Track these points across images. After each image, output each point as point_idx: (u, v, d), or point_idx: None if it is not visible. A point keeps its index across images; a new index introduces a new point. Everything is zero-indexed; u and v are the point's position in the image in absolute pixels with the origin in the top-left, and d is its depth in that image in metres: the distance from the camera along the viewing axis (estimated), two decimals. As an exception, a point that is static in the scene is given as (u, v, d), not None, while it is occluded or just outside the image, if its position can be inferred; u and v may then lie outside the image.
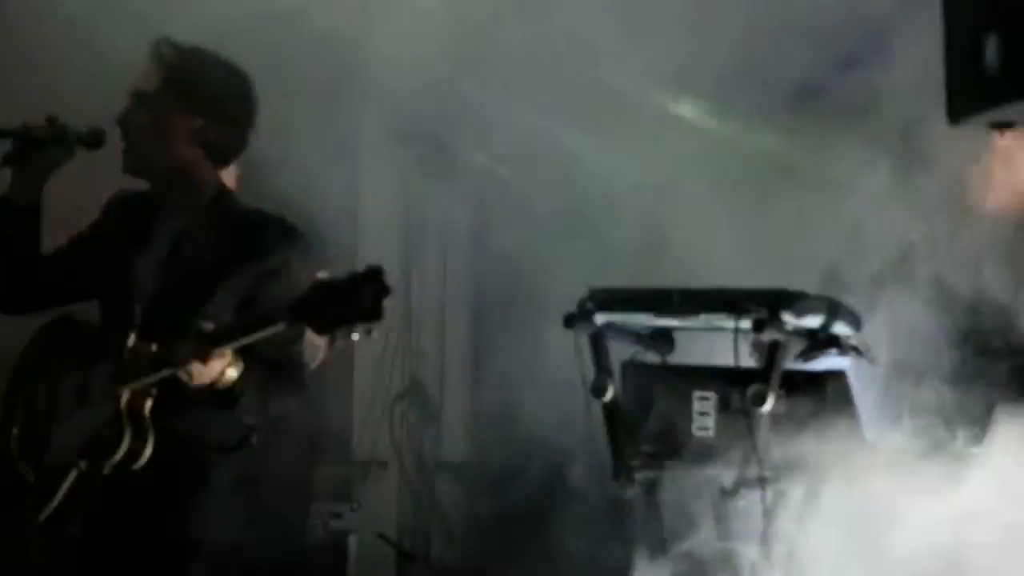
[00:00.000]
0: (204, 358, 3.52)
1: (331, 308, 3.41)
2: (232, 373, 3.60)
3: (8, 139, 3.95)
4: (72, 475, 3.72)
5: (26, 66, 5.62)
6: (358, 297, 3.39)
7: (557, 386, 5.36)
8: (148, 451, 3.68)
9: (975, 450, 4.00)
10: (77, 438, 3.76)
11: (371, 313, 3.39)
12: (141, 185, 3.96)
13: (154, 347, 3.64)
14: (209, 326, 3.55)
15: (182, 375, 3.55)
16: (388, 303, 3.38)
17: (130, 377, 3.67)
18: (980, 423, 4.06)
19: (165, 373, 3.59)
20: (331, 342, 3.55)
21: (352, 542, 6.69)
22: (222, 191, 3.94)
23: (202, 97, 3.83)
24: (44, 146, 3.92)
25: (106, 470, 3.69)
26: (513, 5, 5.72)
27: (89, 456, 3.71)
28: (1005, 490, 3.84)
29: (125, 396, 3.67)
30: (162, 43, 3.88)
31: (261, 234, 3.83)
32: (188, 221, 3.87)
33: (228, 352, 3.56)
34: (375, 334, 3.42)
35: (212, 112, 3.85)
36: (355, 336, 3.43)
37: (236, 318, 3.64)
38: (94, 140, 3.94)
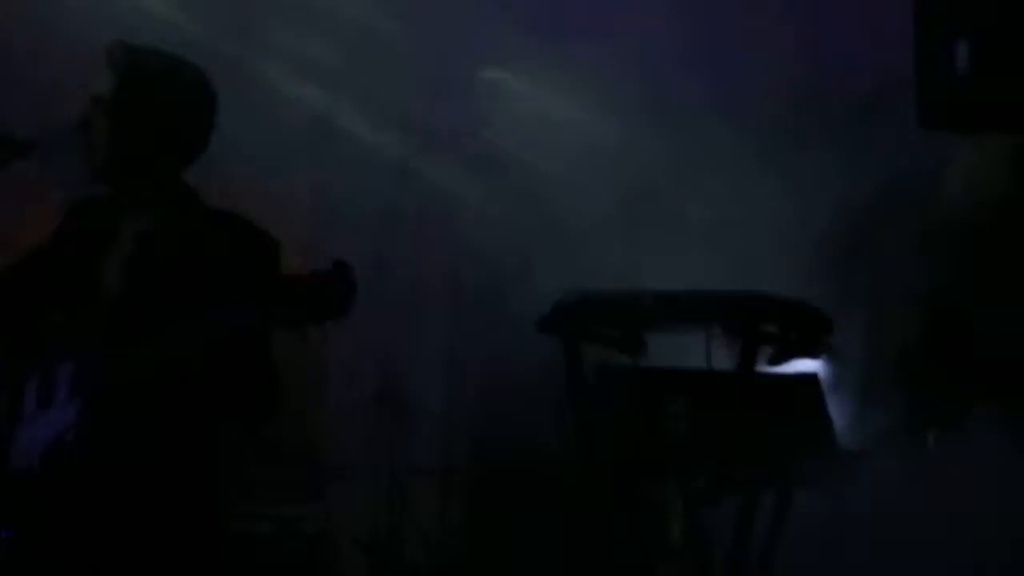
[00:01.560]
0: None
1: (298, 305, 3.42)
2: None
3: None
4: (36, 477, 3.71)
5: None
6: (325, 293, 3.40)
7: (530, 389, 5.38)
8: (113, 451, 3.68)
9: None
10: (40, 440, 3.74)
11: (338, 309, 3.40)
12: (99, 189, 3.94)
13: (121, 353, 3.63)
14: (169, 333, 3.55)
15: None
16: (361, 304, 3.39)
17: (97, 379, 3.66)
18: (949, 425, 4.08)
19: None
20: (301, 339, 3.54)
21: (323, 546, 6.69)
22: (185, 191, 3.92)
23: (159, 98, 3.81)
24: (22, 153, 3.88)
25: (70, 472, 3.68)
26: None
27: (53, 458, 3.70)
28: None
29: (90, 398, 3.66)
30: (115, 46, 3.86)
31: (225, 234, 3.81)
32: (152, 222, 3.85)
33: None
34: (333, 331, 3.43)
35: (170, 113, 3.83)
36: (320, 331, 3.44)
37: (197, 318, 3.62)
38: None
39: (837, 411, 4.24)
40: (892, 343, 4.36)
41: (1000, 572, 3.88)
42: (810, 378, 4.23)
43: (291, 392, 4.25)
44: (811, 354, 4.20)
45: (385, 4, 6.39)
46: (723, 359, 4.06)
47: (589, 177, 5.81)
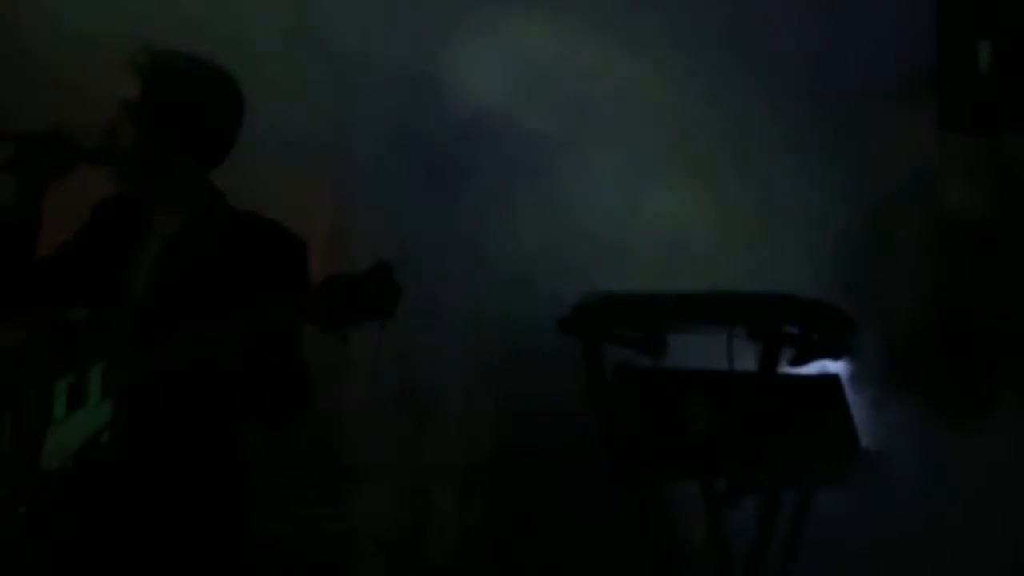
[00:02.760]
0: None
1: (340, 305, 3.43)
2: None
3: (10, 143, 3.91)
4: (68, 477, 3.73)
5: (34, 72, 5.62)
6: (367, 294, 3.41)
7: (551, 390, 5.38)
8: (145, 451, 3.69)
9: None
10: (73, 441, 3.76)
11: (382, 311, 3.41)
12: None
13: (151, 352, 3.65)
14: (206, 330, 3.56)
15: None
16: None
17: (128, 380, 3.68)
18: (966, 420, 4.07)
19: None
20: (342, 340, 3.56)
21: (344, 546, 6.69)
22: (214, 194, 3.93)
23: (184, 103, 3.81)
24: (47, 155, 3.89)
25: (104, 473, 3.70)
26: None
27: (86, 458, 3.72)
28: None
29: (122, 398, 3.68)
30: (139, 51, 3.87)
31: (252, 236, 3.82)
32: (179, 224, 3.86)
33: None
34: (383, 332, 3.44)
35: (196, 117, 3.84)
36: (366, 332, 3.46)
37: (228, 319, 3.63)
38: (98, 157, 3.92)
39: (858, 411, 4.23)
40: (905, 341, 4.36)
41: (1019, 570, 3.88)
42: (832, 379, 4.23)
43: (314, 392, 4.26)
44: (833, 355, 4.19)
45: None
46: (745, 360, 4.05)
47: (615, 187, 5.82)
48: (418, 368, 7.47)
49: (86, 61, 5.08)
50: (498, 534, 7.16)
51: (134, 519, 3.73)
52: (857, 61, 4.98)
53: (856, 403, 4.24)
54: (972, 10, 3.66)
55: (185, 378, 3.63)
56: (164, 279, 3.80)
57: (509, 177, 6.17)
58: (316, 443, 6.16)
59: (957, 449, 3.96)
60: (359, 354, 7.37)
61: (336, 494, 6.78)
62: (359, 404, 7.34)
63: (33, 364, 3.95)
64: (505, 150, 6.08)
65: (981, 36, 3.62)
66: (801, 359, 4.14)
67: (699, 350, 4.16)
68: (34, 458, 3.81)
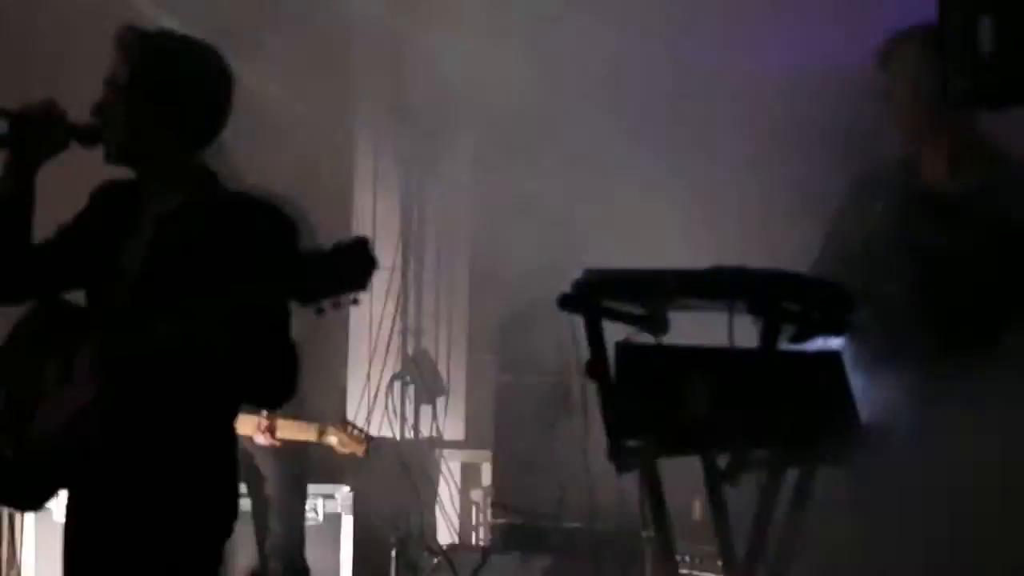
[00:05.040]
0: None
1: (317, 278, 3.44)
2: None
3: (4, 119, 3.92)
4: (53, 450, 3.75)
5: (31, 51, 5.63)
6: (342, 267, 3.42)
7: (553, 367, 5.39)
8: (130, 429, 3.70)
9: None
10: (61, 415, 3.77)
11: (355, 282, 3.42)
12: (127, 173, 3.96)
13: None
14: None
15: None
16: (387, 279, 3.42)
17: (115, 357, 3.69)
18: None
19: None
20: (317, 312, 3.56)
21: (347, 523, 6.71)
22: (205, 174, 3.93)
23: (172, 83, 3.80)
24: (40, 131, 3.89)
25: (88, 449, 3.71)
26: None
27: (71, 435, 3.73)
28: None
29: (108, 376, 3.69)
30: (126, 32, 3.86)
31: (246, 216, 3.82)
32: (172, 205, 3.86)
33: None
34: (358, 303, 3.45)
35: (184, 97, 3.82)
36: (340, 305, 3.47)
37: (214, 296, 3.63)
38: (89, 136, 3.91)
39: (858, 387, 4.24)
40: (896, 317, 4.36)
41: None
42: (833, 356, 4.23)
43: (318, 371, 4.27)
44: (834, 331, 4.19)
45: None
46: (745, 337, 4.06)
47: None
48: (422, 343, 7.50)
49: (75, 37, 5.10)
50: (505, 512, 7.18)
51: (118, 496, 3.74)
52: (853, 38, 4.98)
53: (854, 379, 4.24)
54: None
55: (173, 357, 3.64)
56: (155, 259, 3.80)
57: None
58: (320, 422, 6.17)
59: (954, 424, 3.96)
60: (364, 333, 7.40)
61: (341, 473, 6.80)
62: (365, 383, 7.37)
63: (27, 341, 3.97)
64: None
65: (982, 12, 3.61)
66: (802, 336, 4.14)
67: (699, 327, 4.16)
68: (22, 432, 3.83)
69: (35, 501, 3.93)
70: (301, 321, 3.72)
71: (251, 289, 3.54)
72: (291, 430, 5.99)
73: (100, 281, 3.90)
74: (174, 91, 3.81)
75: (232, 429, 3.89)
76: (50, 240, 4.04)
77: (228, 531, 3.88)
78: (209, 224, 3.79)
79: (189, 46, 3.89)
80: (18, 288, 4.03)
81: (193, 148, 3.89)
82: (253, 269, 3.58)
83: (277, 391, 3.84)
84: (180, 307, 3.59)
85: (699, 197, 5.80)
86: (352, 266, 3.44)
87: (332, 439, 6.10)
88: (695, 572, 5.60)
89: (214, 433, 3.83)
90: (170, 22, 5.31)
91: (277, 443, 5.99)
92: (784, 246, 4.76)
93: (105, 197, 4.02)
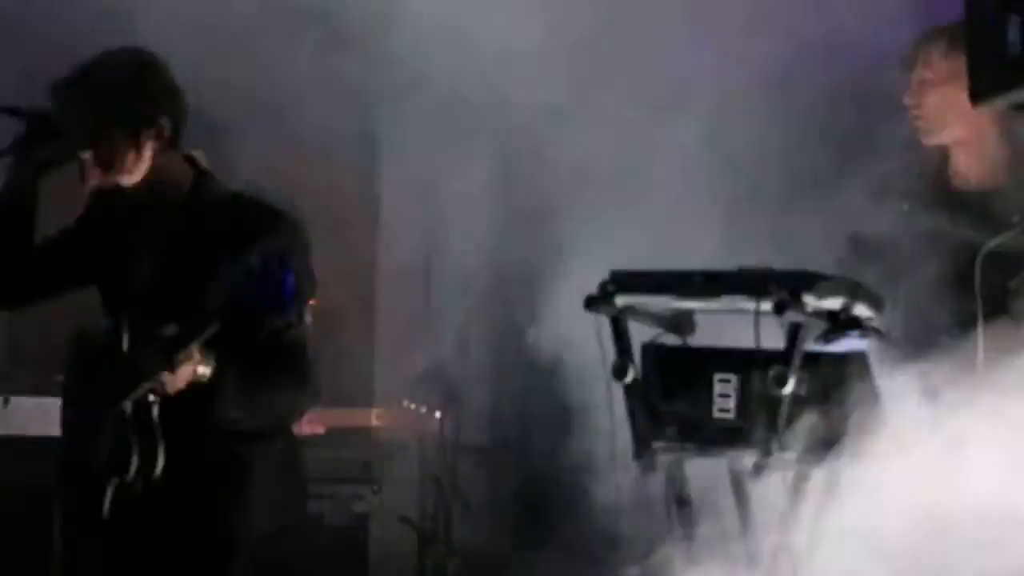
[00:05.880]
0: (171, 367, 3.53)
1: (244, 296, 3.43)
2: (204, 370, 3.61)
3: (19, 119, 3.91)
4: (108, 492, 3.74)
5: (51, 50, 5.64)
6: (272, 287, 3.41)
7: (578, 368, 5.38)
8: (161, 459, 3.68)
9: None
10: (105, 453, 3.76)
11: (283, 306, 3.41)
12: None
13: (131, 360, 3.66)
14: (171, 330, 3.56)
15: (157, 388, 3.57)
16: (411, 284, 3.41)
17: (126, 389, 3.68)
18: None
19: (142, 389, 3.59)
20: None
21: (373, 525, 6.72)
22: (200, 176, 3.91)
23: (126, 108, 3.79)
24: (56, 137, 3.89)
25: (130, 483, 3.71)
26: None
27: (114, 471, 3.72)
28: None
29: (127, 407, 3.68)
30: (57, 85, 3.85)
31: (245, 220, 3.81)
32: (172, 215, 3.85)
33: (194, 351, 3.57)
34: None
35: (142, 114, 3.80)
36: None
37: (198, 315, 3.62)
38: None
39: (887, 389, 4.22)
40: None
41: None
42: (860, 356, 4.22)
43: (341, 372, 4.27)
44: (861, 332, 4.18)
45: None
46: (771, 337, 4.05)
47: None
48: (444, 346, 7.50)
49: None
50: (527, 512, 7.17)
51: (165, 523, 3.73)
52: (877, 36, 4.98)
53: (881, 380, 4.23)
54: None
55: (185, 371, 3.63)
56: (161, 275, 3.79)
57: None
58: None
59: (983, 424, 3.95)
60: (388, 333, 7.41)
61: (365, 472, 6.81)
62: (388, 382, 7.37)
63: (78, 381, 3.96)
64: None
65: (1010, 11, 3.59)
66: (829, 336, 4.13)
67: (726, 327, 4.15)
68: (84, 472, 3.83)
69: None
70: (327, 321, 3.73)
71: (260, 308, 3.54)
72: (339, 417, 5.99)
73: (107, 291, 3.89)
74: (128, 116, 3.79)
75: (251, 437, 3.86)
76: (50, 243, 4.03)
77: (280, 536, 3.87)
78: (209, 232, 3.78)
79: (117, 60, 3.86)
80: (19, 291, 4.02)
81: (174, 151, 3.87)
82: (256, 274, 3.57)
83: (293, 406, 3.84)
84: (159, 337, 3.59)
85: (722, 197, 5.79)
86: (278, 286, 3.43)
87: (382, 420, 6.09)
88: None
89: (231, 448, 3.80)
90: (192, 28, 5.34)
91: (320, 431, 5.98)
92: (805, 245, 4.76)
93: (105, 202, 4.01)
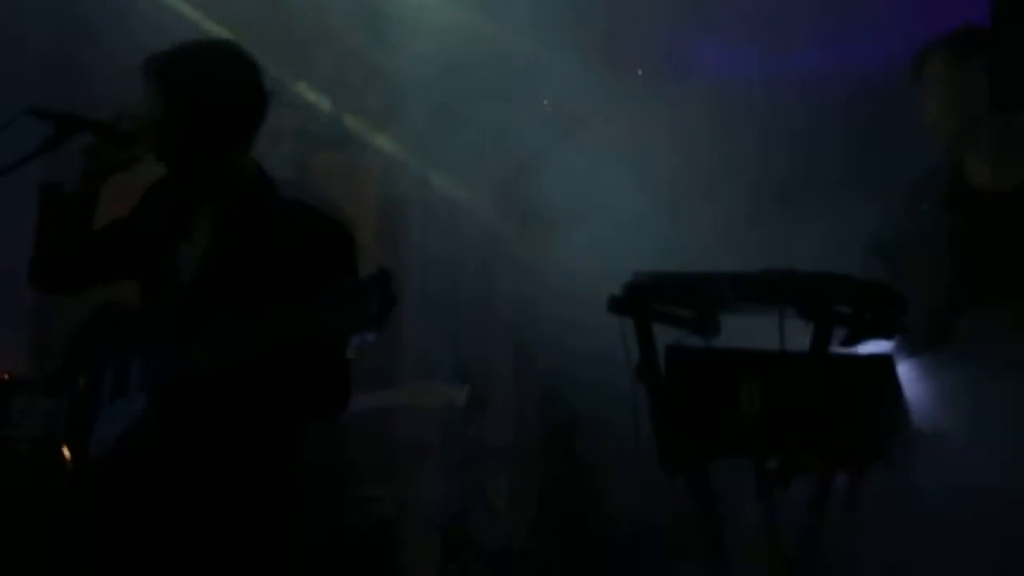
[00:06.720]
0: None
1: (333, 317, 3.40)
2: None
3: (88, 131, 3.93)
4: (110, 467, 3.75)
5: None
6: (363, 305, 3.37)
7: (603, 371, 5.37)
8: (182, 443, 3.70)
9: None
10: (114, 429, 3.77)
11: (375, 322, 3.37)
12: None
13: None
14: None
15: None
16: (436, 286, 3.40)
17: (165, 370, 3.70)
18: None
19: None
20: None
21: (397, 526, 6.73)
22: (262, 181, 3.92)
23: (211, 97, 3.79)
24: (123, 144, 3.91)
25: (143, 461, 3.72)
26: None
27: (125, 447, 3.73)
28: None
29: (158, 389, 3.70)
30: (150, 62, 3.86)
31: (302, 231, 3.81)
32: (228, 214, 3.86)
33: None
34: (372, 339, 3.40)
35: (226, 106, 3.81)
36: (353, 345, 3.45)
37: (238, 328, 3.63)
38: (124, 140, 3.93)
39: (911, 392, 4.22)
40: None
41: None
42: (884, 359, 4.21)
43: (367, 374, 4.26)
44: (886, 335, 4.18)
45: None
46: (796, 340, 4.05)
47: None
48: (468, 346, 7.50)
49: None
50: (552, 514, 7.17)
51: (170, 512, 3.74)
52: (904, 38, 4.98)
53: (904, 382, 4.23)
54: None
55: (222, 370, 3.64)
56: (212, 270, 3.80)
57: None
58: (369, 424, 6.19)
59: (1007, 427, 3.95)
60: (412, 335, 7.41)
61: (389, 475, 6.82)
62: (411, 384, 7.37)
63: (88, 346, 3.98)
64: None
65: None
66: (853, 339, 4.13)
67: (751, 330, 4.15)
68: (83, 443, 3.84)
69: None
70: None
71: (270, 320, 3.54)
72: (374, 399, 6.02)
73: (153, 281, 3.91)
74: (214, 105, 3.79)
75: (290, 444, 3.86)
76: (105, 230, 4.05)
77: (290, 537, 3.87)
78: (265, 238, 3.79)
79: (213, 51, 3.88)
80: (72, 278, 4.05)
81: (242, 150, 3.88)
82: (306, 284, 3.56)
83: (329, 407, 3.85)
84: (235, 326, 3.60)
85: (741, 197, 5.81)
86: (371, 305, 3.38)
87: (422, 399, 6.10)
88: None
89: (268, 448, 3.80)
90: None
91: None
92: (824, 247, 4.76)
93: (159, 194, 4.03)
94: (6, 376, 5.72)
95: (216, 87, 3.81)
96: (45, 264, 4.03)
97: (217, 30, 6.38)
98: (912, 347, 4.33)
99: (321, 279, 3.52)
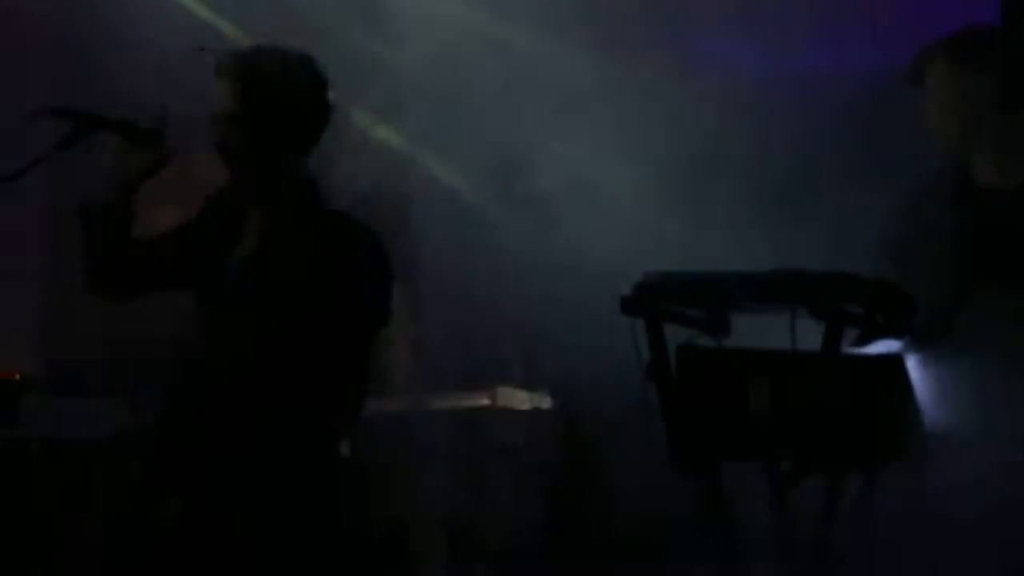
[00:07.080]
0: None
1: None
2: None
3: (113, 132, 3.93)
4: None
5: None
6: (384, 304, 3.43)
7: (612, 371, 5.38)
8: (225, 456, 3.73)
9: None
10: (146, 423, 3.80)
11: (379, 319, 3.44)
12: None
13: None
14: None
15: None
16: (442, 287, 3.44)
17: (194, 368, 3.72)
18: None
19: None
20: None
21: (405, 526, 6.72)
22: (312, 187, 3.95)
23: (282, 99, 3.84)
24: (146, 143, 3.92)
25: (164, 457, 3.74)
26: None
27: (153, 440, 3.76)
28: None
29: (184, 387, 3.72)
30: (223, 58, 3.89)
31: (344, 242, 3.84)
32: (276, 219, 3.89)
33: None
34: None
35: (295, 110, 3.85)
36: None
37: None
38: (147, 139, 3.93)
39: (922, 392, 4.22)
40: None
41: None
42: (895, 359, 4.21)
43: (380, 375, 4.27)
44: (897, 335, 4.17)
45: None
46: (808, 340, 4.05)
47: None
48: (478, 346, 7.50)
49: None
50: (559, 514, 7.17)
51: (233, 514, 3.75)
52: (904, 39, 4.99)
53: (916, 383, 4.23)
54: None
55: (249, 370, 3.66)
56: (253, 277, 3.83)
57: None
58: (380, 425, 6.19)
59: (1018, 428, 3.95)
60: (424, 338, 7.41)
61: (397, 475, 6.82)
62: (424, 386, 7.37)
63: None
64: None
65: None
66: (865, 339, 4.13)
67: (762, 330, 4.15)
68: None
69: None
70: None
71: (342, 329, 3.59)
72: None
73: (204, 284, 3.93)
74: (284, 107, 3.83)
75: (316, 442, 3.87)
76: (168, 236, 4.06)
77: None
78: (307, 247, 3.81)
79: (284, 55, 3.91)
80: (130, 286, 4.06)
81: (302, 155, 3.92)
82: (342, 297, 3.61)
83: (350, 413, 3.87)
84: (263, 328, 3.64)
85: (748, 196, 5.81)
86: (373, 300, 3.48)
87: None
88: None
89: (296, 447, 3.81)
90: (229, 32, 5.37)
91: None
92: (830, 247, 4.76)
93: (217, 202, 4.05)
94: (17, 376, 5.73)
95: (293, 89, 3.87)
96: (97, 277, 4.04)
97: (217, 25, 6.39)
98: (917, 344, 4.32)
99: (352, 290, 3.58)
